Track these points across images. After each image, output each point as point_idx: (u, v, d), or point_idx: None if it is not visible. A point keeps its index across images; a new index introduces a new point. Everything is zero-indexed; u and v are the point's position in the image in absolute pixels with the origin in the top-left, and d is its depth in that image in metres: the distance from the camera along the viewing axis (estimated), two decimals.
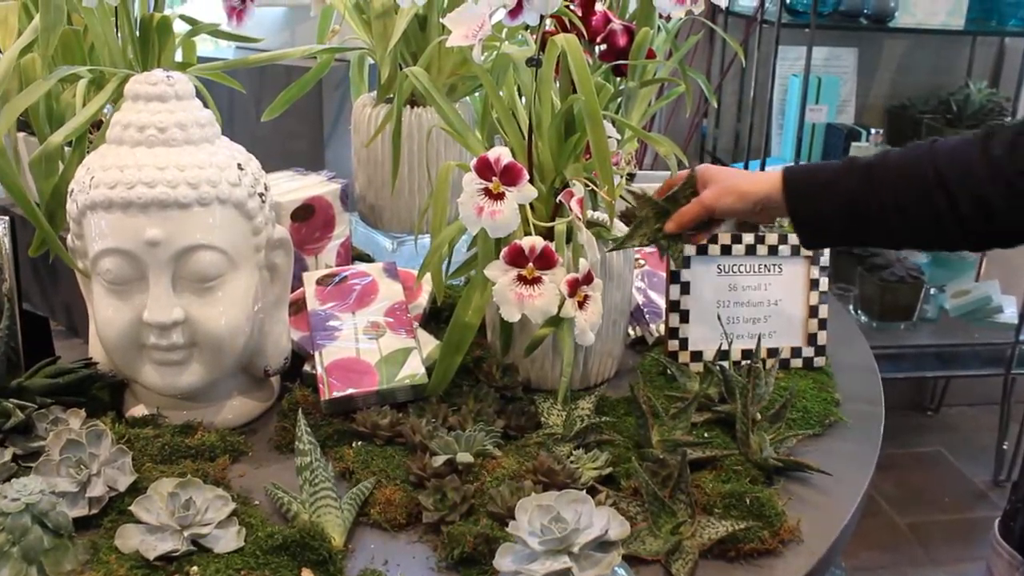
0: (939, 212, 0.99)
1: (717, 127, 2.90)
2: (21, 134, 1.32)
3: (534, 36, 1.09)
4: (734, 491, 0.96)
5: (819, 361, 1.29)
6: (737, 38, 2.72)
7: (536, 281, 1.00)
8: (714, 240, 1.24)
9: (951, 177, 0.98)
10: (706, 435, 1.09)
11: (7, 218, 1.09)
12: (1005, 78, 2.99)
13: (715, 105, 1.76)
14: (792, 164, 1.12)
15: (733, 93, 2.86)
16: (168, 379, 1.01)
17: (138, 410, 1.09)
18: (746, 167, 2.71)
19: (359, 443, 1.05)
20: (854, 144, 2.51)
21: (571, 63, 1.01)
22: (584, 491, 0.93)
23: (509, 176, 0.99)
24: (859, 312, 2.71)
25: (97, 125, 1.22)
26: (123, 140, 0.97)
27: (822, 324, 1.29)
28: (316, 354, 1.12)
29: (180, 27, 1.37)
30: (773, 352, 1.27)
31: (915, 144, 1.05)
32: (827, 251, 1.29)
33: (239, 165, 1.01)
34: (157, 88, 0.98)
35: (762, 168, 2.59)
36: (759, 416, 1.10)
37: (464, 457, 0.97)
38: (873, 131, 2.56)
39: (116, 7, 1.17)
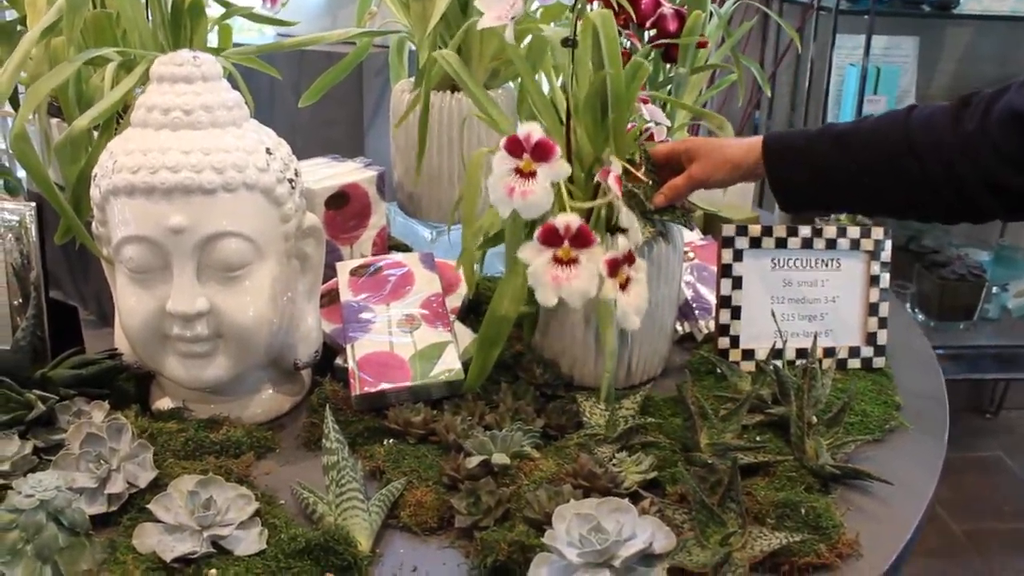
0: (911, 180, 0.98)
1: (770, 118, 2.81)
2: (55, 120, 1.29)
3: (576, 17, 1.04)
4: (788, 500, 0.90)
5: (879, 362, 1.22)
6: (792, 25, 2.63)
7: (573, 262, 0.94)
8: (768, 232, 1.18)
9: (922, 145, 0.96)
10: (758, 439, 1.02)
11: (34, 204, 1.06)
12: None
13: (768, 95, 1.69)
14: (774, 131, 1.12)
15: (787, 83, 2.77)
16: (193, 372, 0.97)
17: (163, 403, 1.05)
18: None
19: (390, 441, 1.00)
20: None
21: (602, 38, 0.95)
22: (627, 497, 0.88)
23: (540, 152, 0.93)
24: (916, 310, 2.61)
25: (128, 110, 1.18)
26: (147, 123, 0.94)
27: (882, 323, 1.22)
28: (348, 347, 1.07)
29: (215, 11, 1.34)
30: (830, 352, 1.20)
31: (892, 111, 1.04)
32: (888, 246, 1.22)
33: (267, 149, 0.96)
34: (183, 69, 0.94)
35: None
36: (815, 419, 1.03)
37: (500, 458, 0.92)
38: None
39: None
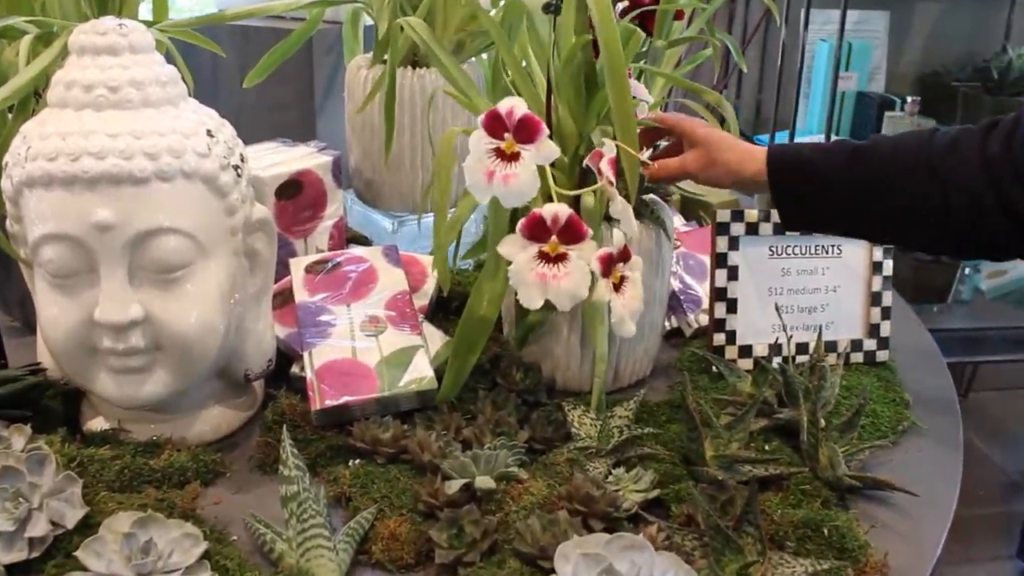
0: (928, 203, 0.89)
1: (738, 97, 2.72)
2: None
3: None
4: (808, 519, 0.80)
5: (882, 355, 1.13)
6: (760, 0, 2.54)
7: (561, 258, 0.82)
8: (767, 218, 1.07)
9: (944, 167, 0.88)
10: (767, 448, 0.93)
11: None
12: None
13: (744, 70, 1.59)
14: (783, 143, 1.04)
15: (754, 59, 2.68)
16: (127, 389, 0.84)
17: (96, 423, 0.92)
18: (771, 140, 2.54)
19: (357, 461, 0.89)
20: (887, 114, 2.33)
21: (592, 1, 0.84)
22: (628, 519, 0.78)
23: (525, 132, 0.82)
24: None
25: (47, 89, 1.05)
26: (66, 102, 0.80)
27: (885, 313, 1.12)
28: (305, 355, 0.95)
29: None
30: (831, 346, 1.10)
31: (913, 132, 0.96)
32: None
33: (208, 132, 0.84)
34: (107, 39, 0.81)
35: (791, 141, 2.43)
36: (823, 423, 0.93)
37: (484, 482, 0.80)
38: (910, 99, 2.38)
39: None
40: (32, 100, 0.98)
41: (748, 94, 2.74)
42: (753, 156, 0.97)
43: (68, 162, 0.78)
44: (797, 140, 2.40)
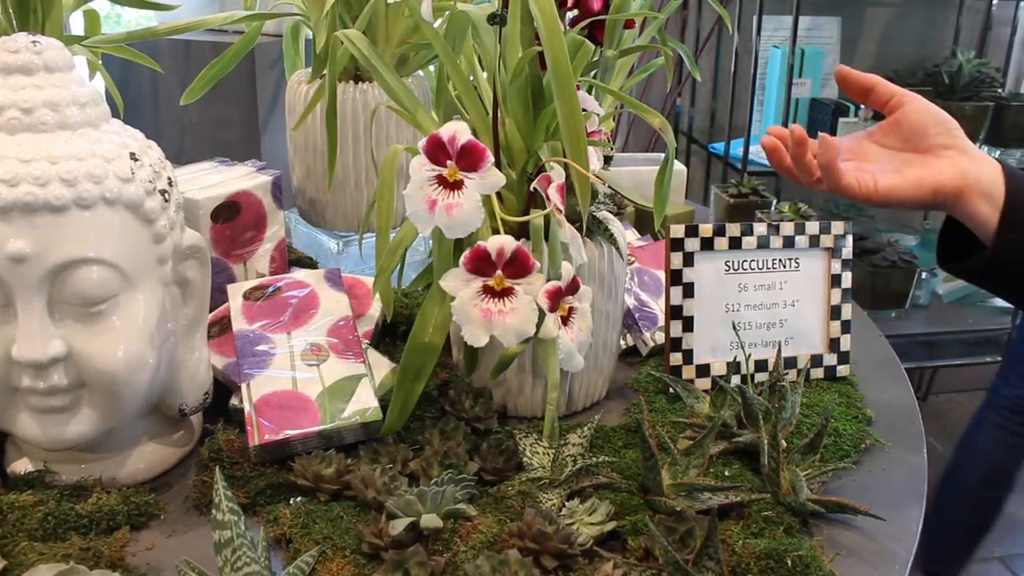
0: None
1: (693, 105, 2.71)
2: None
3: None
4: (771, 549, 0.77)
5: (843, 370, 1.10)
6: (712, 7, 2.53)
7: (507, 293, 0.79)
8: (721, 232, 1.04)
9: None
10: (726, 473, 0.89)
11: None
12: (992, 48, 2.82)
13: (698, 78, 1.57)
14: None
15: (707, 68, 2.67)
16: (50, 430, 0.79)
17: (20, 465, 0.87)
18: (727, 147, 2.52)
19: (298, 499, 0.84)
20: (842, 120, 2.32)
21: (535, 11, 0.80)
22: (582, 555, 0.74)
23: (469, 159, 0.78)
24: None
25: None
26: None
27: (845, 327, 1.10)
28: (244, 387, 0.91)
29: None
30: (790, 362, 1.07)
31: None
32: (849, 242, 1.10)
33: (132, 155, 0.79)
34: (19, 57, 0.76)
35: (746, 149, 2.41)
36: (785, 444, 0.90)
37: (430, 520, 0.76)
38: (863, 105, 2.37)
39: None
40: None
41: (702, 101, 2.73)
42: (960, 169, 0.80)
43: None
44: (752, 147, 2.38)
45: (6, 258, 0.73)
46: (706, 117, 2.73)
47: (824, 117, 2.42)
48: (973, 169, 0.80)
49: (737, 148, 2.47)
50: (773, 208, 1.54)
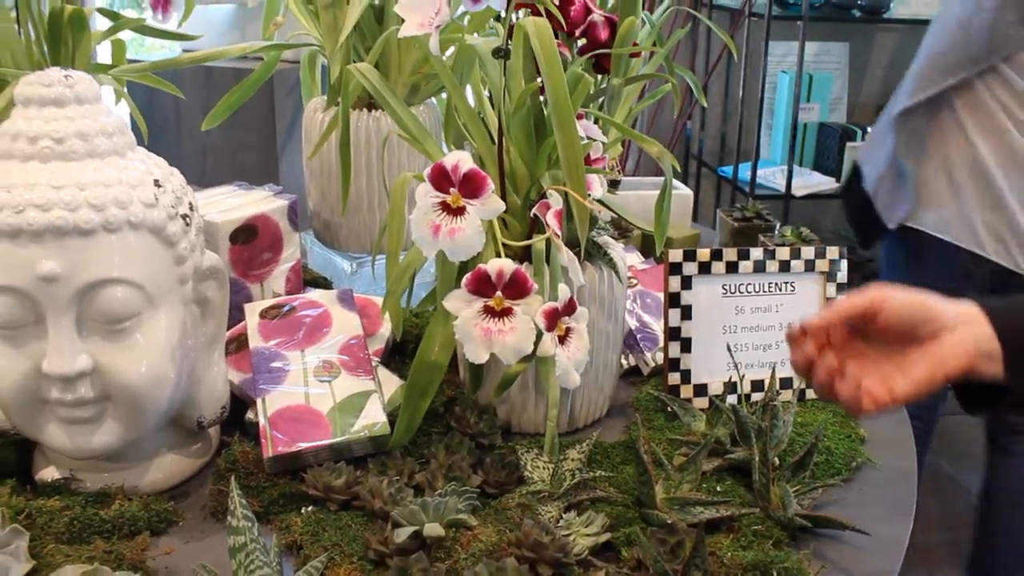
0: None
1: (703, 129, 2.75)
2: None
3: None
4: (758, 561, 0.80)
5: None
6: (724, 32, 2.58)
7: (506, 313, 0.83)
8: (718, 256, 1.08)
9: None
10: (718, 488, 0.93)
11: None
12: None
13: (704, 105, 1.61)
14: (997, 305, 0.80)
15: (717, 93, 2.71)
16: (77, 440, 0.84)
17: (48, 473, 0.91)
18: (735, 170, 2.56)
19: (309, 508, 0.88)
20: (849, 144, 2.36)
21: (536, 47, 0.85)
22: (578, 565, 0.78)
23: (471, 186, 0.82)
24: None
25: None
26: (12, 154, 0.80)
27: None
28: (259, 401, 0.95)
29: (104, 24, 1.21)
30: (786, 383, 1.11)
31: None
32: (844, 266, 1.13)
33: (156, 182, 0.84)
34: (52, 90, 0.81)
35: (753, 172, 2.44)
36: (777, 461, 0.94)
37: (433, 529, 0.80)
38: (871, 129, 2.41)
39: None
40: None
41: (712, 125, 2.77)
42: (962, 338, 0.77)
43: (13, 214, 0.77)
44: (760, 171, 2.42)
45: (38, 278, 0.78)
46: (716, 141, 2.77)
47: (832, 141, 2.46)
48: (970, 340, 0.78)
49: (745, 172, 2.50)
50: (776, 232, 1.57)
